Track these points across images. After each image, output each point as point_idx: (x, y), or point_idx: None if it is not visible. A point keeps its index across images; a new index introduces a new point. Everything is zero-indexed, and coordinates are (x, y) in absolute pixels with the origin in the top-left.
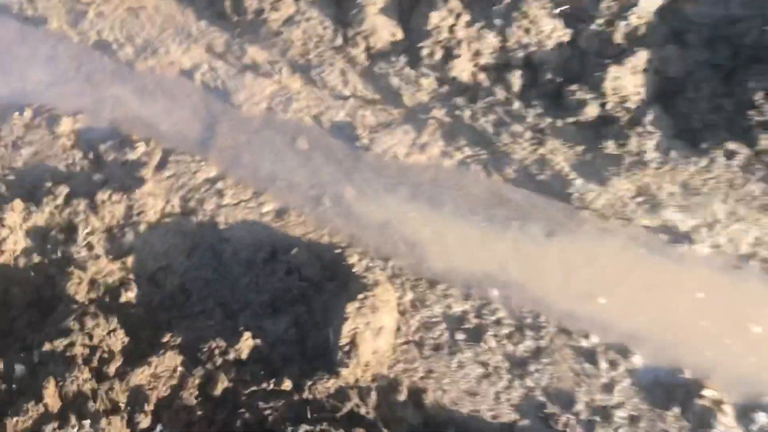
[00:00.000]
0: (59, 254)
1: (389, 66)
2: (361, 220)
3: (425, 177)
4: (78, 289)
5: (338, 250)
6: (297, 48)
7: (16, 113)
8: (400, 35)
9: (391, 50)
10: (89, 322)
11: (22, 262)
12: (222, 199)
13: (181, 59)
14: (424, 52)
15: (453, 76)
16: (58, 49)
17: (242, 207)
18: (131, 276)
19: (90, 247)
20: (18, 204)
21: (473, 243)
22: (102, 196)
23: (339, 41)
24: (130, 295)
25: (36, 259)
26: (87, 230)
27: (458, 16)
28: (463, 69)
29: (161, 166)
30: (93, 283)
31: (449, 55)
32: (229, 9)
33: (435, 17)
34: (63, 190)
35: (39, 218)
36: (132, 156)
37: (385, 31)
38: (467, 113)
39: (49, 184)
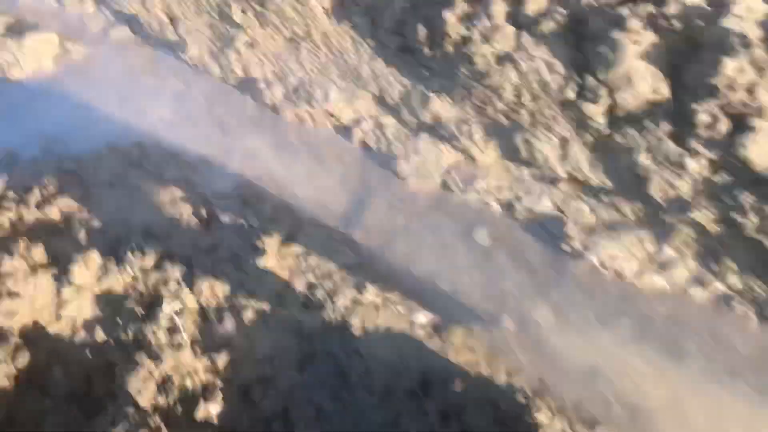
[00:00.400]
0: (130, 335)
1: (640, 136)
2: (558, 358)
3: (661, 310)
4: (143, 386)
5: (521, 398)
6: (504, 101)
7: (125, 148)
8: (665, 92)
9: (647, 113)
10: None
11: (80, 336)
12: (362, 296)
13: (341, 109)
14: (701, 119)
15: (742, 158)
16: (192, 83)
17: (388, 311)
18: (219, 382)
19: (173, 330)
20: (94, 258)
21: (731, 420)
22: (205, 263)
23: (570, 94)
24: (211, 409)
25: (99, 335)
26: (175, 307)
27: (762, 70)
28: (763, 151)
29: (289, 238)
30: (165, 382)
31: (741, 126)
32: (422, 39)
33: (729, 67)
34: (157, 247)
35: (117, 281)
36: (254, 221)
37: (644, 83)
38: (753, 221)
39: (139, 239)
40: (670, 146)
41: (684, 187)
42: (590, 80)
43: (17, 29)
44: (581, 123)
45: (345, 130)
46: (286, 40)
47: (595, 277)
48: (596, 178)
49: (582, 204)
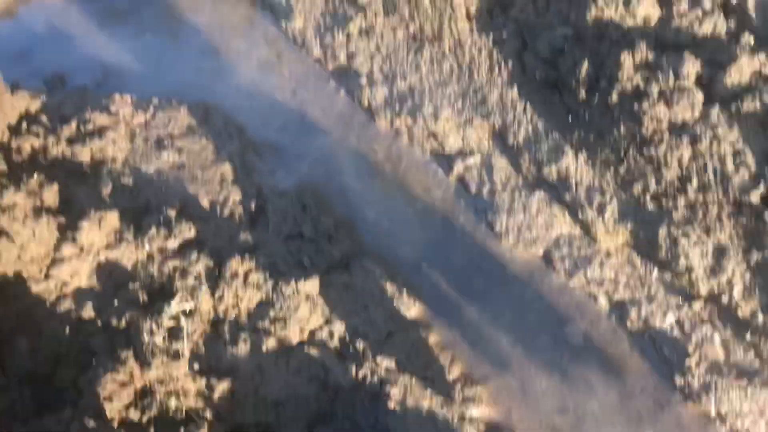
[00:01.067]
0: (123, 323)
1: None
2: None
3: None
4: (117, 392)
5: None
6: (662, 181)
7: (185, 107)
8: None
9: None
10: None
11: (64, 306)
12: (417, 360)
13: (448, 133)
14: None
15: None
16: (285, 57)
17: (437, 390)
18: (209, 415)
19: (175, 334)
20: (111, 219)
21: None
22: (237, 265)
23: (753, 197)
24: None
25: (87, 312)
26: (186, 306)
27: None
28: None
29: (343, 265)
30: (145, 395)
31: None
32: (582, 78)
33: None
34: (186, 230)
35: (129, 254)
36: (309, 232)
37: None
38: None
39: (171, 213)
40: None
41: None
42: None
43: None
44: (754, 236)
45: (445, 159)
46: (408, 36)
47: (704, 427)
48: (747, 308)
49: (716, 334)
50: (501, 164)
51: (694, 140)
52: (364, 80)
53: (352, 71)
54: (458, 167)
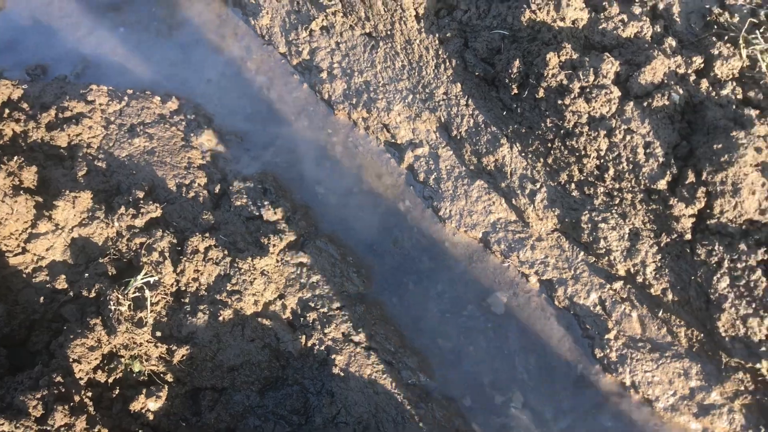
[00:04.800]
0: (93, 293)
1: (727, 256)
2: None
3: None
4: (85, 355)
5: None
6: (583, 170)
7: (158, 97)
8: None
9: (743, 233)
10: (60, 416)
11: (40, 278)
12: (356, 334)
13: (399, 124)
14: None
15: None
16: (252, 52)
17: (379, 359)
18: (170, 376)
19: (139, 304)
20: (85, 199)
21: None
22: (198, 242)
23: (661, 184)
24: (151, 404)
25: (60, 283)
26: (150, 277)
27: None
28: None
29: (298, 245)
30: (111, 358)
31: None
32: (514, 75)
33: None
34: (152, 210)
35: (100, 232)
36: (267, 215)
37: (752, 198)
38: None
39: (139, 194)
40: (760, 279)
41: (759, 330)
42: (690, 176)
43: None
44: (663, 220)
45: (396, 149)
46: (364, 34)
47: (619, 396)
48: (658, 286)
49: (633, 311)
50: (446, 154)
51: (610, 133)
52: (324, 75)
53: (314, 66)
54: (408, 157)
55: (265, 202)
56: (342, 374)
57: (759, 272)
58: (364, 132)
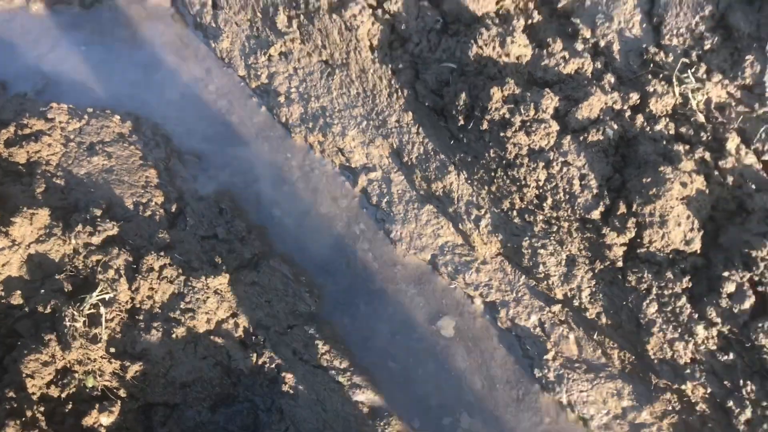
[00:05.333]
0: (48, 309)
1: (655, 283)
2: None
3: None
4: (39, 370)
5: None
6: (524, 198)
7: (117, 116)
8: (696, 246)
9: (669, 261)
10: (12, 430)
11: None
12: (306, 352)
13: (353, 149)
14: (727, 288)
15: (758, 345)
16: (212, 74)
17: (327, 378)
18: (123, 392)
19: (93, 320)
20: (42, 216)
21: None
22: (153, 261)
23: (594, 214)
24: (102, 419)
25: (16, 299)
26: (105, 294)
27: None
28: None
29: (252, 265)
30: (65, 374)
31: (766, 310)
32: (461, 106)
33: None
34: (109, 228)
35: (56, 248)
36: (222, 233)
37: (677, 229)
38: (747, 414)
39: (97, 212)
40: (684, 305)
41: (684, 354)
42: (621, 207)
43: None
44: (596, 248)
45: (350, 172)
46: (321, 61)
47: (556, 413)
48: (593, 310)
49: (570, 333)
50: (398, 179)
51: (548, 165)
52: (282, 99)
53: (272, 90)
54: (362, 180)
55: (220, 222)
56: (292, 392)
57: (684, 299)
58: (320, 155)
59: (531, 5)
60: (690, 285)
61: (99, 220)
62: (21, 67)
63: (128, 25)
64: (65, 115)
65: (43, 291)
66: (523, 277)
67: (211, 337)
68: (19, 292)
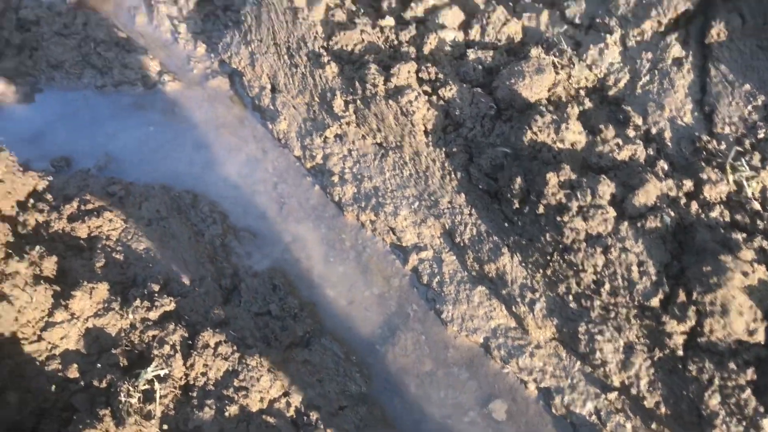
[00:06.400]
0: (104, 384)
1: (718, 373)
2: None
3: None
4: None
5: None
6: (581, 284)
7: (176, 193)
8: (760, 337)
9: (732, 352)
10: None
11: (52, 366)
12: None
13: (405, 229)
14: None
15: None
16: (269, 154)
17: None
18: None
19: (147, 396)
20: (101, 290)
21: None
22: (209, 337)
23: (654, 302)
24: None
25: (72, 372)
26: (160, 370)
27: None
28: None
29: (303, 343)
30: None
31: None
32: (516, 190)
33: None
34: (166, 303)
35: (114, 323)
36: (275, 310)
37: (740, 320)
38: None
39: (154, 287)
40: (749, 398)
41: None
42: (681, 295)
43: (126, 46)
44: (656, 336)
45: (402, 251)
46: (375, 144)
47: None
48: (651, 399)
49: (627, 422)
50: (449, 259)
51: (606, 250)
52: (336, 178)
53: (326, 170)
54: (413, 259)
55: (273, 299)
56: None
57: (748, 391)
58: (372, 234)
59: (582, 93)
60: (755, 377)
61: (156, 295)
62: (85, 144)
63: (188, 106)
64: (126, 191)
65: (99, 365)
66: (579, 362)
67: (263, 416)
68: (75, 365)
